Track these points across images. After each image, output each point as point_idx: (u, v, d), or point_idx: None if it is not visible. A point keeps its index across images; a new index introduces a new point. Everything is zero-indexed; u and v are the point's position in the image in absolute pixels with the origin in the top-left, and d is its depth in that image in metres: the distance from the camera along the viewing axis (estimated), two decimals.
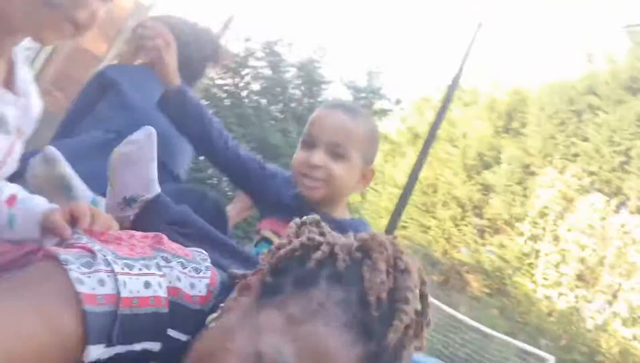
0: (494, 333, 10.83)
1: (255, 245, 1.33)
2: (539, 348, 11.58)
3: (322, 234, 0.56)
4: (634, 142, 13.65)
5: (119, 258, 0.54)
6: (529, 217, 14.33)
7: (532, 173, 15.16)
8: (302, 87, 10.83)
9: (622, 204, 13.74)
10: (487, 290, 14.99)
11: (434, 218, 16.67)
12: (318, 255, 0.52)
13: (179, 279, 0.58)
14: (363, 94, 11.14)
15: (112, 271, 0.52)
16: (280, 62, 10.70)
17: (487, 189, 16.25)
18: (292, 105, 10.85)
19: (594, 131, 14.31)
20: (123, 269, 0.53)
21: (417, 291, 0.55)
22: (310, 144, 1.19)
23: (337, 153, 1.16)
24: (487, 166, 16.37)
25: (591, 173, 14.06)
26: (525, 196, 14.94)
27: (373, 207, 17.30)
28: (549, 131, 15.10)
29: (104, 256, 0.53)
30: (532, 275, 13.88)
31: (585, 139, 14.47)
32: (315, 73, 10.56)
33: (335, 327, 0.48)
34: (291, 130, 9.48)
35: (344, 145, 1.16)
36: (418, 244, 16.02)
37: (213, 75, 10.55)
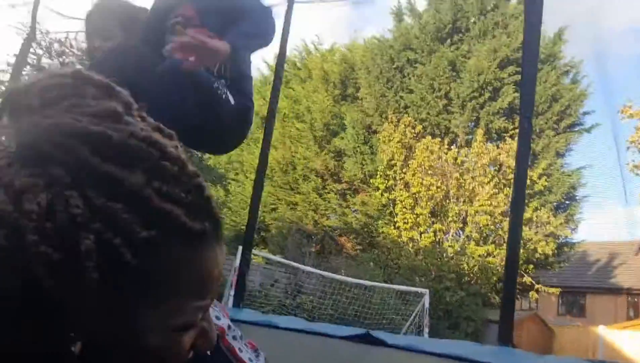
0: (374, 283, 11.44)
1: None
2: (415, 285, 12.56)
3: None
4: (451, 85, 15.16)
5: None
6: (379, 171, 15.17)
7: (374, 132, 16.08)
8: None
9: (452, 141, 15.24)
10: (359, 247, 15.79)
11: (298, 193, 17.02)
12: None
13: None
14: None
15: None
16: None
17: (339, 155, 16.97)
18: None
19: (416, 82, 15.57)
20: None
21: None
22: None
23: None
24: (334, 134, 17.06)
25: (422, 120, 15.33)
26: (372, 153, 15.81)
27: (239, 198, 17.20)
28: (379, 91, 16.08)
29: None
30: (394, 222, 14.86)
31: (411, 91, 15.68)
32: None
33: None
34: None
35: None
36: (290, 221, 16.24)
37: None
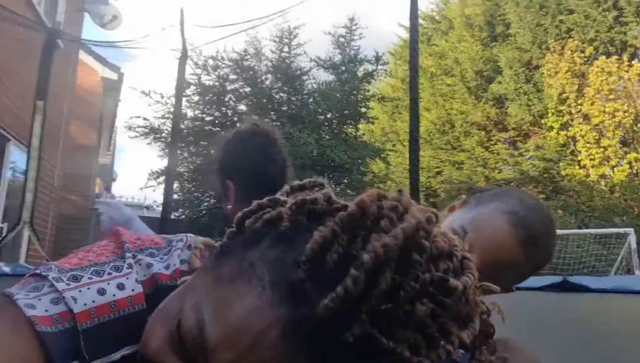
0: (567, 231, 10.56)
1: None
2: (615, 226, 11.25)
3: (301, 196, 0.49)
4: None
5: (63, 272, 0.52)
6: (550, 109, 13.93)
7: (536, 67, 14.74)
8: (285, 88, 10.69)
9: (632, 56, 13.35)
10: (542, 196, 14.59)
11: (462, 151, 16.37)
12: (267, 215, 0.48)
13: (149, 266, 0.57)
14: (343, 68, 10.94)
15: (57, 290, 0.50)
16: (256, 75, 10.59)
17: (499, 101, 15.90)
18: (284, 108, 10.76)
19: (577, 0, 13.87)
20: (69, 284, 0.51)
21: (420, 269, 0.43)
22: None
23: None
24: (490, 80, 16.01)
25: (591, 41, 13.66)
26: (538, 91, 14.55)
27: (400, 168, 17.13)
28: (533, 20, 14.66)
29: (50, 275, 0.52)
30: (578, 161, 13.52)
31: (571, 12, 14.02)
32: (289, 69, 10.42)
33: (257, 285, 0.43)
34: (295, 135, 9.35)
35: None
36: (458, 181, 15.71)
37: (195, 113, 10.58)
